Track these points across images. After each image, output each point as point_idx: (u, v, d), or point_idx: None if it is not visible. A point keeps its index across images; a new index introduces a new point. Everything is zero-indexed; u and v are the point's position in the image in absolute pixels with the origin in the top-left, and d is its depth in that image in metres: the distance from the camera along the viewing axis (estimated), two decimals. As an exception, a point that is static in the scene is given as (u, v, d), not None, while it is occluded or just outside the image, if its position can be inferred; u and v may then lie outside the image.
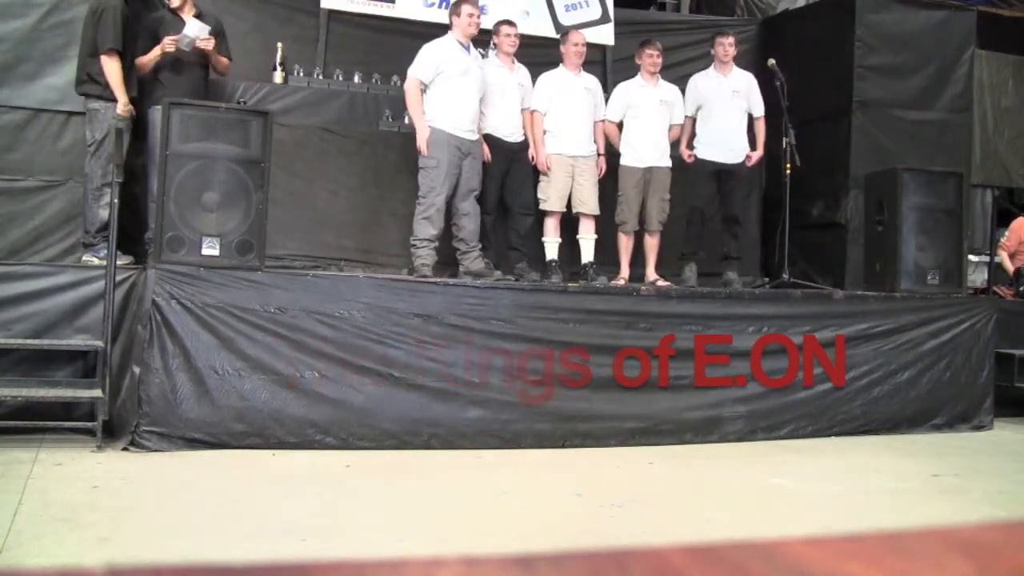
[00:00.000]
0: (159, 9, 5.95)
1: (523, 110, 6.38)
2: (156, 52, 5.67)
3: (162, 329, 4.71)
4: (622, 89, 6.60)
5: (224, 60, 5.98)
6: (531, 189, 6.38)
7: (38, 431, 4.77)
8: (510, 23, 6.39)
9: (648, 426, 5.50)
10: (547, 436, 5.29)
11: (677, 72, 7.06)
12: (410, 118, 6.08)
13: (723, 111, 6.63)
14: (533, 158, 6.35)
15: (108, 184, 5.17)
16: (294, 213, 6.30)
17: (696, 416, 5.62)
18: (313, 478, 4.34)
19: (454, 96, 5.88)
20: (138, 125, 5.75)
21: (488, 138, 6.19)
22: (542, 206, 6.39)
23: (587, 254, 6.46)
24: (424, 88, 5.88)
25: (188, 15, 5.79)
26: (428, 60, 5.90)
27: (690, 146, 6.66)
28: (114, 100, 5.54)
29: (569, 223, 6.53)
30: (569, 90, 6.43)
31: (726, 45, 6.66)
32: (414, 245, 5.87)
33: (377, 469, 4.59)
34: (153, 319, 4.70)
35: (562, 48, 6.53)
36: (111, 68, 5.49)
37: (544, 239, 6.44)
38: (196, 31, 5.67)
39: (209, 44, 5.74)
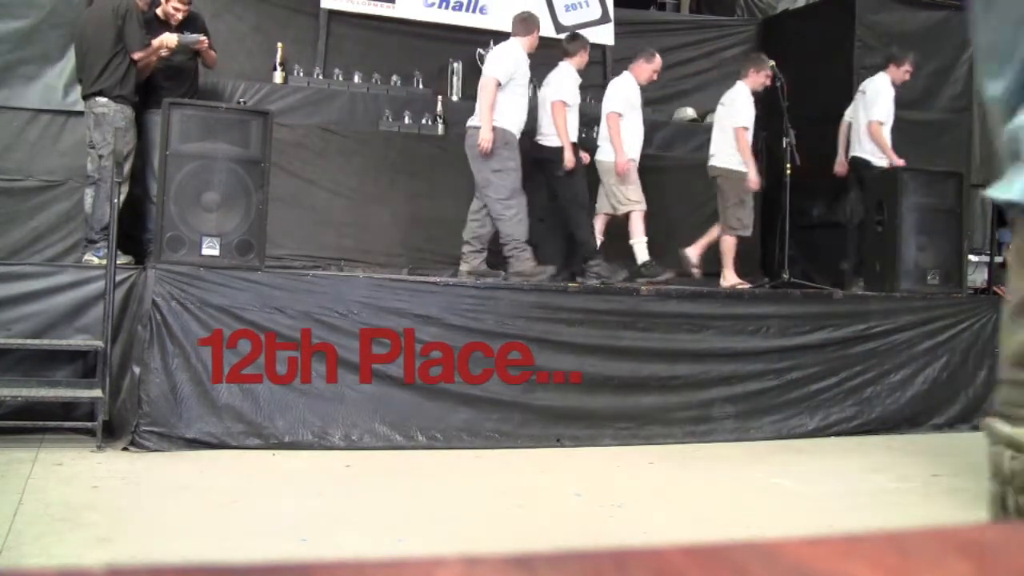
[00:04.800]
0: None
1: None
2: (152, 53, 5.66)
3: (162, 329, 4.72)
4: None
5: (212, 54, 5.99)
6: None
7: (38, 431, 4.77)
8: None
9: (647, 426, 5.50)
10: (546, 435, 5.29)
11: (677, 72, 7.06)
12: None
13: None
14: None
15: (118, 182, 5.17)
16: (294, 213, 6.30)
17: (694, 415, 5.62)
18: (313, 478, 4.34)
19: (518, 102, 5.99)
20: (139, 127, 5.74)
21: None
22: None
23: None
24: (499, 87, 5.91)
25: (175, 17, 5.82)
26: (509, 63, 5.95)
27: None
28: (121, 101, 5.51)
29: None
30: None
31: None
32: (515, 248, 5.91)
33: (377, 469, 4.59)
34: (153, 319, 4.70)
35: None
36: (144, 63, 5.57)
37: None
38: (193, 39, 5.73)
39: (204, 44, 5.80)
